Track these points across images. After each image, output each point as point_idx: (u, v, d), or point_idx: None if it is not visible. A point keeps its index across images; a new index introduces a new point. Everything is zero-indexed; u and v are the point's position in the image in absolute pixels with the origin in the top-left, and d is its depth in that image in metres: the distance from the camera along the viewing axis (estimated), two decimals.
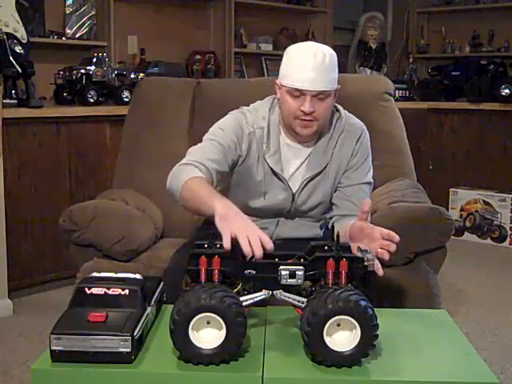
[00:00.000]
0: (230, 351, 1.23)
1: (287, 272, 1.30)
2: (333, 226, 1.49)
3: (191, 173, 1.63)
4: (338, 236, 1.32)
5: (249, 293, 1.33)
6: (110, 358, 1.23)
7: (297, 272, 1.29)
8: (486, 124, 4.42)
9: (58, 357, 1.24)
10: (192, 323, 1.21)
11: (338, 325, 1.23)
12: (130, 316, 1.30)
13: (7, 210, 2.86)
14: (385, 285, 1.88)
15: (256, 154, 1.83)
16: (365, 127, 1.90)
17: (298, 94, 1.73)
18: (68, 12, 3.69)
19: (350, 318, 1.21)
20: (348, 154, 1.85)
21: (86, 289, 1.35)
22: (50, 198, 3.15)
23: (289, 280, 1.30)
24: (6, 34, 2.68)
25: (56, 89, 3.40)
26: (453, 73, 4.60)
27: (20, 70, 2.80)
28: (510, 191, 4.23)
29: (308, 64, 1.71)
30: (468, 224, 4.39)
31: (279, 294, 1.32)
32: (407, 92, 4.82)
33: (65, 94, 3.38)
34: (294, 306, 1.34)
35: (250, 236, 1.31)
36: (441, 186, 4.45)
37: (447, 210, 4.19)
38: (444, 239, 1.94)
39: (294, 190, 1.85)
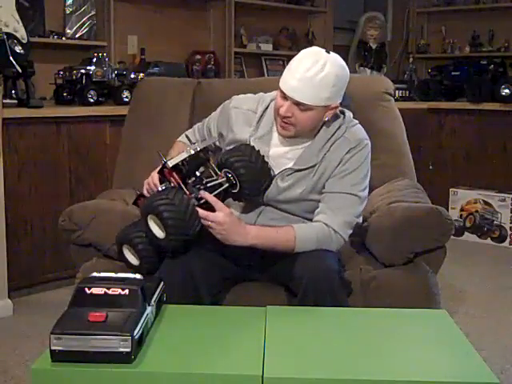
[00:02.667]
0: None
1: None
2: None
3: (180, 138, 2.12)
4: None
5: None
6: (110, 358, 1.23)
7: None
8: (485, 124, 4.41)
9: (58, 357, 1.24)
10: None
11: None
12: (130, 316, 1.30)
13: (7, 210, 2.86)
14: (385, 285, 1.88)
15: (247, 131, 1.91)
16: (367, 142, 1.86)
17: (283, 95, 1.76)
18: (68, 12, 3.68)
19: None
20: (336, 161, 1.83)
21: (86, 289, 1.35)
22: (50, 198, 3.15)
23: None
24: (6, 33, 2.67)
25: (56, 89, 3.40)
26: (453, 73, 4.60)
27: (20, 70, 2.79)
28: (510, 191, 4.23)
29: (299, 72, 1.71)
30: (468, 224, 4.39)
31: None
32: (407, 92, 4.81)
33: (65, 94, 3.37)
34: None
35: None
36: (441, 185, 4.45)
37: (447, 210, 4.19)
38: (444, 239, 1.94)
39: (274, 173, 1.85)
